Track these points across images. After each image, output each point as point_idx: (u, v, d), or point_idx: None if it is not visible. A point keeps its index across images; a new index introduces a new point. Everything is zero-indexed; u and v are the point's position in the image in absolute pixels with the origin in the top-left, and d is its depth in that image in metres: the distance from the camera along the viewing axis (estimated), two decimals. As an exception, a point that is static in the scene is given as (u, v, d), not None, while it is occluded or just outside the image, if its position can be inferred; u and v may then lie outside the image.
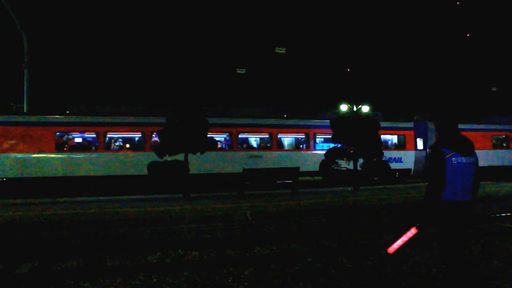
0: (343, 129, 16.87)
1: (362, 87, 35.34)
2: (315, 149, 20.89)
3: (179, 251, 7.27)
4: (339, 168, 18.27)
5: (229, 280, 5.69)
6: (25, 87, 21.23)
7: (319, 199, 13.77)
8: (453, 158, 4.00)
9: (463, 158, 4.03)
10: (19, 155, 17.01)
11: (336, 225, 9.92)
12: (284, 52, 31.92)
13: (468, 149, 4.08)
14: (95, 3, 34.68)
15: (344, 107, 18.18)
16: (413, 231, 4.12)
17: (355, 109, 18.34)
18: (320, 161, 18.74)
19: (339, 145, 17.57)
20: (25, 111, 20.19)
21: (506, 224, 9.74)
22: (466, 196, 4.05)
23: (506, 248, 7.27)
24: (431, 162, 4.12)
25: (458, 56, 41.28)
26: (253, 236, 8.68)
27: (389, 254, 4.50)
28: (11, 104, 21.32)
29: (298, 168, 18.54)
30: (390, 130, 22.17)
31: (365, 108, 18.20)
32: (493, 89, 39.30)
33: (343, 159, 17.63)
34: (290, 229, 9.64)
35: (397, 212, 11.65)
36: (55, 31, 30.00)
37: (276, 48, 31.84)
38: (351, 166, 17.67)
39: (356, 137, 16.64)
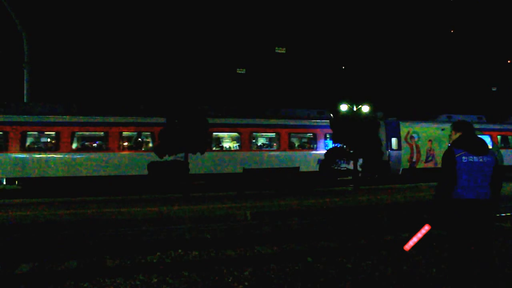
0: (343, 129, 16.86)
1: (362, 87, 35.33)
2: None
3: (179, 251, 7.27)
4: (339, 168, 18.26)
5: (229, 280, 5.69)
6: (25, 87, 21.26)
7: (319, 199, 13.77)
8: (464, 157, 4.14)
9: (474, 157, 4.14)
10: None
11: (336, 225, 9.92)
12: (284, 52, 31.95)
13: (479, 149, 4.18)
14: (95, 3, 34.68)
15: (344, 107, 18.16)
16: (426, 227, 4.23)
17: (355, 109, 18.32)
18: None
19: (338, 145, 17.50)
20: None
21: (506, 224, 9.74)
22: (480, 195, 4.10)
23: (506, 248, 7.27)
24: (442, 161, 4.27)
25: (458, 55, 41.28)
26: (253, 236, 8.68)
27: (405, 251, 4.58)
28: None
29: (298, 168, 18.56)
30: None
31: (365, 108, 18.18)
32: (493, 89, 39.33)
33: (343, 159, 17.62)
34: (290, 229, 9.64)
35: (397, 212, 11.65)
36: (55, 31, 30.00)
37: (276, 48, 31.86)
38: (351, 166, 17.66)
39: (356, 137, 16.63)
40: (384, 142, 21.04)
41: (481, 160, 4.14)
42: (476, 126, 22.82)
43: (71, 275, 5.88)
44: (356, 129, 16.65)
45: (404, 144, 22.06)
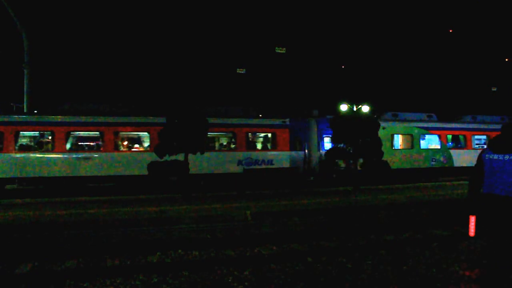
0: (343, 129, 16.86)
1: (362, 87, 35.34)
2: None
3: (179, 251, 7.27)
4: (339, 168, 18.27)
5: (229, 280, 5.69)
6: (25, 87, 21.23)
7: (319, 199, 13.77)
8: (486, 155, 4.57)
9: (494, 155, 4.47)
10: None
11: (336, 225, 9.92)
12: (284, 52, 31.95)
13: (503, 147, 4.45)
14: (95, 3, 34.71)
15: (344, 107, 18.17)
16: (472, 218, 4.78)
17: (355, 109, 18.33)
18: None
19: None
20: (25, 111, 20.18)
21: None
22: (500, 191, 4.35)
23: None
24: None
25: (458, 55, 41.30)
26: (253, 236, 8.68)
27: (472, 236, 4.97)
28: (11, 104, 21.33)
29: (299, 167, 18.55)
30: None
31: (365, 108, 18.18)
32: (493, 89, 39.35)
33: (343, 159, 17.64)
34: (290, 229, 9.64)
35: (398, 212, 11.65)
36: (55, 31, 30.01)
37: (276, 48, 31.86)
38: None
39: (356, 137, 16.64)
40: (316, 143, 19.87)
41: (500, 158, 4.40)
42: (424, 125, 21.63)
43: (71, 275, 5.89)
44: (356, 129, 16.64)
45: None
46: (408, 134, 21.66)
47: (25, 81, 21.37)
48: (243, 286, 5.48)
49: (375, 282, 5.57)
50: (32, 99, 21.29)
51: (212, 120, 17.03)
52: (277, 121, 19.16)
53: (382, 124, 20.55)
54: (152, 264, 6.56)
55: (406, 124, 21.82)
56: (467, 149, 22.41)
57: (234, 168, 18.12)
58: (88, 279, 5.71)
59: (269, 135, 19.49)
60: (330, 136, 19.64)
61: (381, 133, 20.14)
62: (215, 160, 17.96)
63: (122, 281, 5.65)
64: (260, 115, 19.95)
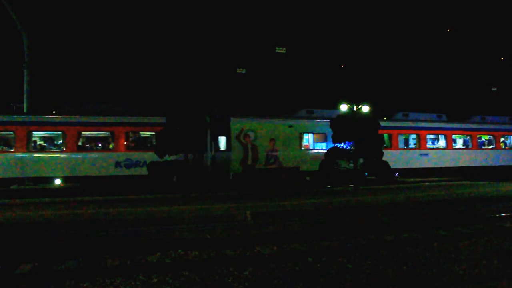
0: (343, 129, 16.86)
1: (362, 87, 35.33)
2: None
3: (179, 251, 7.27)
4: (339, 168, 18.25)
5: (229, 280, 5.69)
6: (25, 87, 21.23)
7: (319, 199, 13.77)
8: None
9: None
10: None
11: (336, 225, 9.92)
12: (284, 52, 31.96)
13: None
14: (95, 3, 34.72)
15: (344, 107, 18.17)
16: None
17: (355, 109, 18.34)
18: None
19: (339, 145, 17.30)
20: (25, 111, 20.16)
21: (506, 224, 9.74)
22: None
23: (506, 248, 7.28)
24: None
25: (458, 55, 41.31)
26: (253, 236, 8.68)
27: None
28: (11, 104, 21.28)
29: (299, 168, 18.54)
30: None
31: (365, 108, 18.19)
32: (493, 89, 39.37)
33: (343, 159, 17.61)
34: (290, 229, 9.64)
35: (398, 212, 11.64)
36: (55, 31, 30.02)
37: (276, 48, 31.86)
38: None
39: (356, 137, 16.63)
40: (207, 143, 18.16)
41: None
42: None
43: (71, 275, 5.89)
44: (356, 129, 16.64)
45: (235, 144, 18.68)
46: (321, 133, 19.74)
47: (25, 81, 21.36)
48: (243, 286, 5.48)
49: (375, 282, 5.57)
50: (32, 99, 21.29)
51: (84, 119, 16.68)
52: (162, 119, 16.73)
53: (290, 122, 19.30)
54: (152, 264, 6.55)
55: (320, 121, 19.73)
56: (393, 149, 20.73)
57: (112, 170, 17.13)
58: (88, 279, 5.71)
59: (153, 134, 17.91)
60: (225, 136, 18.74)
61: (286, 131, 19.01)
62: (92, 161, 17.11)
63: (122, 281, 5.66)
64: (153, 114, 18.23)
